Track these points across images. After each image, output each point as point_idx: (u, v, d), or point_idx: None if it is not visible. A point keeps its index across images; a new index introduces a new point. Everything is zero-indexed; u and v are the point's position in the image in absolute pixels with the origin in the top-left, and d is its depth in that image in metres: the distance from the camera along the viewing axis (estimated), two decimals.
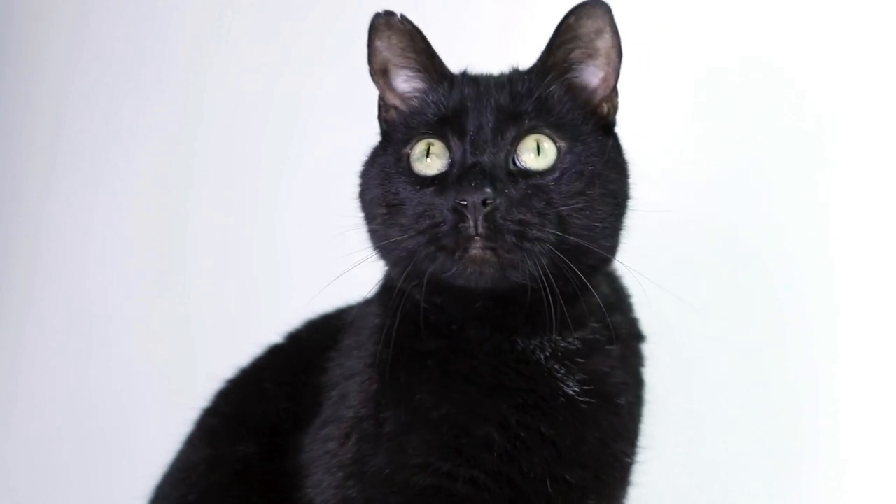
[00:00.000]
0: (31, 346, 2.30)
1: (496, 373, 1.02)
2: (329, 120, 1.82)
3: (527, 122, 1.00)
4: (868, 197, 1.38)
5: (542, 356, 1.03)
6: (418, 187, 0.99)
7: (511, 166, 0.99)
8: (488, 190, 0.93)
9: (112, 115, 2.22)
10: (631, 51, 1.07)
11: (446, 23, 1.39)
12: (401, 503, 1.00)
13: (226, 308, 1.98)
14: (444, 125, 1.01)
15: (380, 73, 1.08)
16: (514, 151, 0.99)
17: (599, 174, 1.00)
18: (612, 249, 1.05)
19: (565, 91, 1.04)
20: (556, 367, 1.03)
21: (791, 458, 1.43)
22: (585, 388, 1.03)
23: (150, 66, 2.17)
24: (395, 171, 1.02)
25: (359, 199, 1.07)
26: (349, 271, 1.01)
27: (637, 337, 1.13)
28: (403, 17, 1.04)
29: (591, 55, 1.05)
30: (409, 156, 1.02)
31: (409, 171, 1.01)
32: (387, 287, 1.08)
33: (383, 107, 1.09)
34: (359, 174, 1.08)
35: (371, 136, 1.11)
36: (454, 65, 1.08)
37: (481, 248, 0.94)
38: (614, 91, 1.07)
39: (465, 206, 0.93)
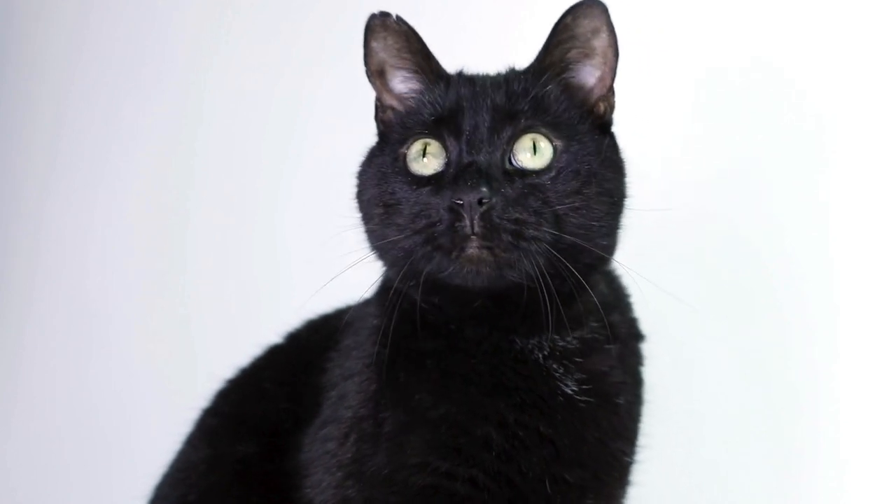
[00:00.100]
0: (31, 346, 2.31)
1: (494, 372, 1.02)
2: (329, 120, 1.82)
3: (523, 121, 1.00)
4: (868, 197, 1.37)
5: (540, 355, 1.03)
6: (415, 187, 0.99)
7: (507, 166, 0.99)
8: (484, 189, 0.93)
9: (112, 115, 2.22)
10: (631, 50, 1.07)
11: (444, 23, 1.39)
12: (400, 503, 1.00)
13: (226, 308, 1.98)
14: (441, 125, 1.01)
15: (376, 74, 1.08)
16: (511, 151, 0.99)
17: (596, 173, 1.00)
18: (609, 248, 1.05)
19: (562, 90, 1.04)
20: (554, 366, 1.03)
21: (791, 458, 1.43)
22: (584, 387, 1.03)
23: (150, 66, 2.17)
24: (391, 172, 1.02)
25: (356, 200, 1.07)
26: (347, 271, 1.01)
27: (636, 336, 1.13)
28: (399, 18, 1.05)
29: (587, 55, 1.05)
30: (405, 156, 1.02)
31: (406, 171, 1.01)
32: (385, 287, 1.08)
33: (380, 107, 1.10)
34: (356, 175, 1.08)
35: (371, 136, 1.11)
36: (452, 65, 1.08)
37: (478, 248, 0.94)
38: (611, 90, 1.07)
39: (462, 205, 0.93)
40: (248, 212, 2.00)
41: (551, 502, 1.01)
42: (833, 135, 1.41)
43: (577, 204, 0.98)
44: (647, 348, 1.14)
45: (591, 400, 1.03)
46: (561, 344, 1.04)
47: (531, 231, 0.95)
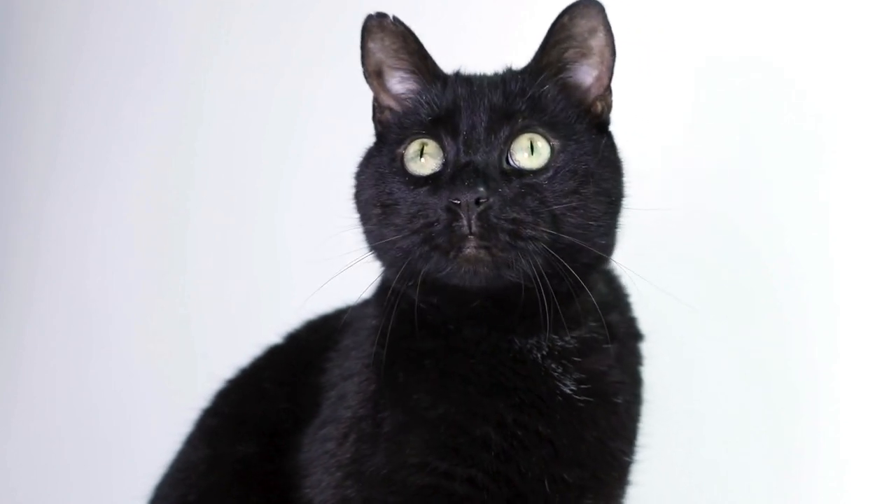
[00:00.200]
0: (31, 346, 2.31)
1: (493, 372, 1.02)
2: (328, 120, 1.82)
3: (520, 121, 1.00)
4: (868, 197, 1.37)
5: (538, 355, 1.03)
6: (412, 187, 0.99)
7: (504, 165, 0.99)
8: (481, 189, 0.93)
9: (112, 115, 2.22)
10: (629, 50, 1.07)
11: (441, 23, 1.39)
12: (399, 502, 1.00)
13: (226, 308, 1.98)
14: (438, 125, 1.01)
15: (374, 74, 1.08)
16: (508, 150, 0.99)
17: (593, 173, 1.00)
18: (607, 248, 1.05)
19: (559, 90, 1.04)
20: (552, 366, 1.03)
21: (791, 458, 1.43)
22: (583, 386, 1.03)
23: (150, 66, 2.17)
24: (389, 172, 1.02)
25: (354, 200, 1.07)
26: (346, 272, 1.01)
27: (635, 336, 1.13)
28: (396, 19, 1.05)
29: (584, 54, 1.05)
30: (402, 156, 1.02)
31: (404, 172, 1.01)
32: (383, 287, 1.08)
33: (378, 108, 1.10)
34: (354, 175, 1.08)
35: (369, 136, 1.11)
36: (449, 65, 1.08)
37: (475, 248, 0.94)
38: (608, 90, 1.07)
39: (459, 205, 0.93)
40: (248, 212, 2.00)
41: (550, 502, 1.01)
42: (833, 134, 1.41)
43: (574, 203, 0.97)
44: (646, 348, 1.14)
45: (589, 399, 1.03)
46: (559, 344, 1.04)
47: (529, 231, 0.95)
